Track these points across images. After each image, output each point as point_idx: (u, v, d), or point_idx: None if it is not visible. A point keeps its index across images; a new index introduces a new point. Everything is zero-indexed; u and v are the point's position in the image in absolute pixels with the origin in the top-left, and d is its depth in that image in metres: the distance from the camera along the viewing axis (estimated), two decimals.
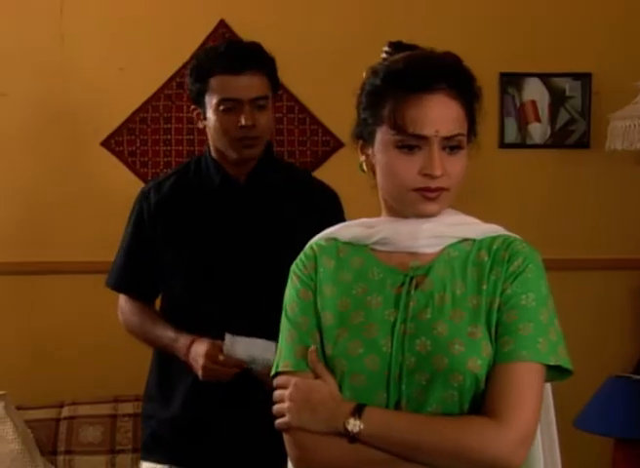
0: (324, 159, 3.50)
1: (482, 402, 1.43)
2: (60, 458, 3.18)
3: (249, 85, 2.26)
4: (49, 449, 3.18)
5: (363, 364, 1.46)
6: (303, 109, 3.49)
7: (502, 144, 3.53)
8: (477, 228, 1.55)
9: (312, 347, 1.49)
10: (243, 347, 2.19)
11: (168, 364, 2.34)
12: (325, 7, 3.49)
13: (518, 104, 3.53)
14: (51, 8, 3.41)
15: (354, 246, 1.56)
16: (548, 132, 3.55)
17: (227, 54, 2.27)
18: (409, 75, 1.45)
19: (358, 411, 1.41)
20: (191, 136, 3.47)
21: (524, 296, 1.45)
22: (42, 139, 3.45)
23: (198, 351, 2.21)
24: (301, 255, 1.58)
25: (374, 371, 1.45)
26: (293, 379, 1.48)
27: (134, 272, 2.39)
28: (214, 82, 2.26)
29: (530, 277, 1.47)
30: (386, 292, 1.50)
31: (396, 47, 1.55)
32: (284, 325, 1.55)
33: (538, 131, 3.55)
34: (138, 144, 3.44)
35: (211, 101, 2.26)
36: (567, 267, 3.41)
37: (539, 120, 3.55)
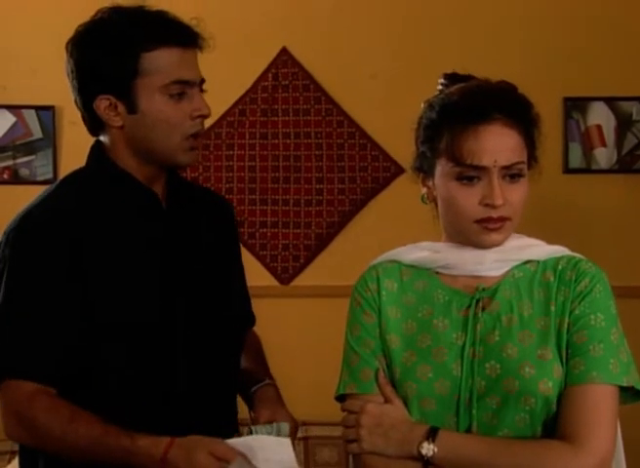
0: (385, 185, 3.48)
1: (555, 424, 1.42)
2: None
3: (196, 62, 1.70)
4: None
5: (433, 388, 1.46)
6: (364, 135, 3.48)
7: (567, 170, 3.47)
8: (541, 250, 1.54)
9: (380, 370, 1.49)
10: None
11: None
12: (387, 33, 3.49)
13: (583, 129, 3.47)
14: None
15: (417, 269, 1.55)
16: (615, 157, 3.48)
17: (172, 20, 1.67)
18: (464, 107, 1.46)
19: (432, 435, 1.41)
20: (253, 163, 3.49)
21: (593, 317, 1.45)
22: None
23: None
24: (364, 276, 1.57)
25: (443, 396, 1.45)
26: (363, 404, 1.47)
27: (68, 351, 1.63)
28: (154, 58, 1.64)
29: (598, 297, 1.46)
30: (452, 314, 1.50)
31: (451, 78, 1.56)
32: (347, 346, 1.55)
33: (603, 156, 3.49)
34: (200, 170, 3.47)
35: (150, 85, 1.64)
36: (633, 295, 3.32)
37: (604, 145, 3.48)
